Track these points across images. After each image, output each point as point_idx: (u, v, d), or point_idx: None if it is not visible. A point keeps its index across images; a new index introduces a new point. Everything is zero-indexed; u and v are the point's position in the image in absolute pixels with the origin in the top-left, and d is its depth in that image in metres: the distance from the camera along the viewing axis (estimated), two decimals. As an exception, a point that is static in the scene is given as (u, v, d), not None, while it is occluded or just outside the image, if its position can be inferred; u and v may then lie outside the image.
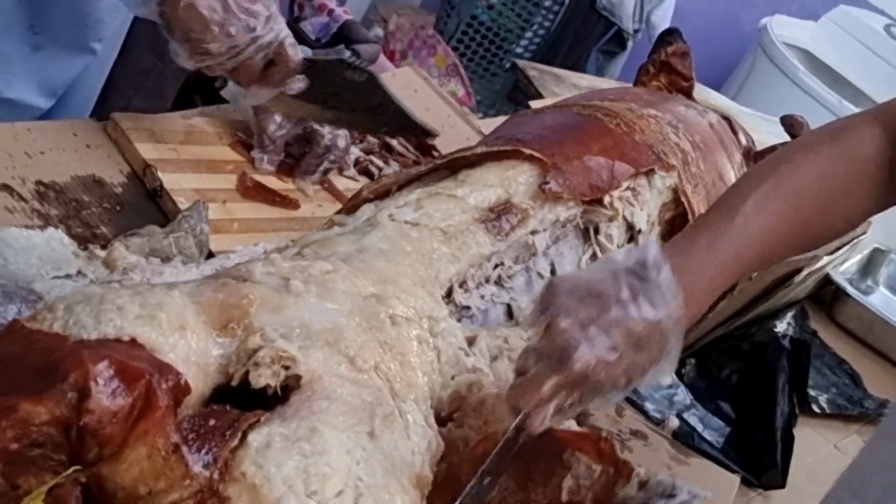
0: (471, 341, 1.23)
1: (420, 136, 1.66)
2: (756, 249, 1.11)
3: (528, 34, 3.70)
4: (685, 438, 1.54)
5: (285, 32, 1.40)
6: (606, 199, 1.41)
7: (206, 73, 1.41)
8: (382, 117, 1.53)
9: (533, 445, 1.03)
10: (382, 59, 2.93)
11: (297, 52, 1.42)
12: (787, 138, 1.73)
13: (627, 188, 1.44)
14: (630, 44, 3.69)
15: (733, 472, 1.51)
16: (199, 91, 1.97)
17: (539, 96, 2.31)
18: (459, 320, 1.26)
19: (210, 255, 1.31)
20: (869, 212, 1.22)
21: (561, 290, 1.03)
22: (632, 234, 1.45)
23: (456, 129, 1.92)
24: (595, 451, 1.05)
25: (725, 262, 1.09)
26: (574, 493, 1.04)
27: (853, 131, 1.19)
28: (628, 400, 1.55)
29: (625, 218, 1.43)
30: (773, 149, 1.73)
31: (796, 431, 1.61)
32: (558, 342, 0.99)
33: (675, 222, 1.50)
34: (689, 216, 1.47)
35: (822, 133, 1.22)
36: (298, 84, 1.44)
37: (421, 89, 1.96)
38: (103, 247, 1.23)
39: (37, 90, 1.63)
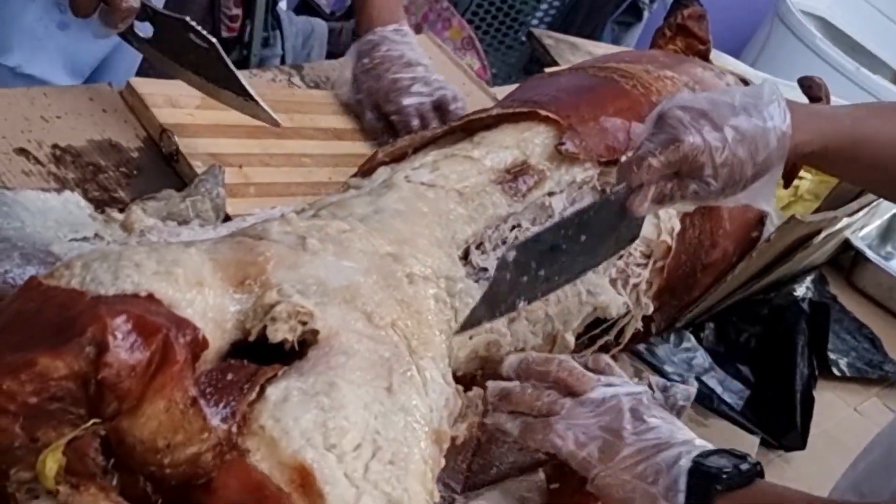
0: (488, 303, 1.22)
1: (263, 120, 1.51)
2: (867, 133, 1.17)
3: (544, 6, 3.67)
4: (704, 401, 1.54)
5: None
6: (623, 160, 1.40)
7: None
8: (226, 92, 1.47)
9: None
10: (397, 30, 2.91)
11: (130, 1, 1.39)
12: (804, 101, 1.72)
13: (644, 149, 1.43)
14: (646, 14, 3.65)
15: (753, 433, 1.50)
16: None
17: (555, 65, 2.29)
18: (477, 282, 1.25)
19: (227, 218, 1.32)
20: None
21: (679, 95, 1.13)
22: (649, 194, 1.44)
23: (471, 96, 1.91)
24: None
25: (837, 123, 1.17)
26: None
27: None
28: (647, 363, 1.55)
29: (642, 179, 1.42)
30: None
31: (816, 394, 1.60)
32: (671, 124, 1.08)
33: (693, 184, 1.49)
34: (707, 177, 1.46)
35: None
36: (146, 29, 1.43)
37: (435, 57, 1.95)
38: (120, 210, 1.23)
39: (63, 70, 1.63)
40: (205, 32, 1.43)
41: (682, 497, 1.01)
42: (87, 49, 1.64)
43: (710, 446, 1.06)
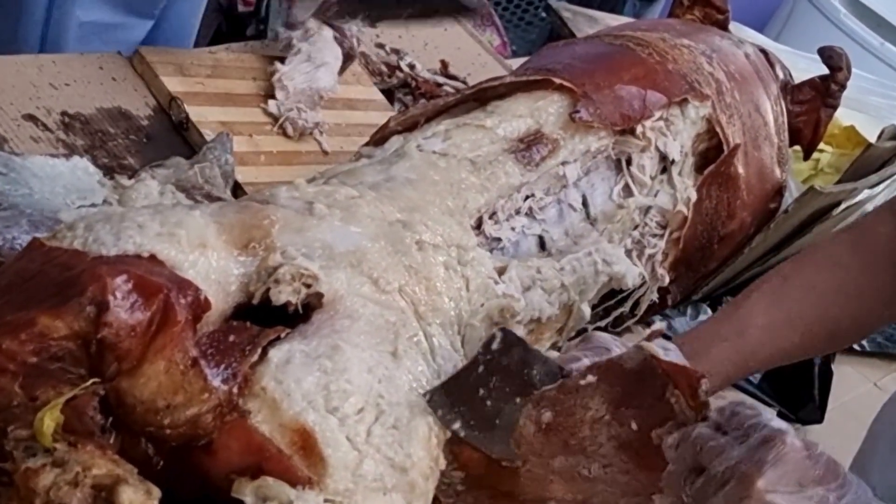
0: (501, 272, 1.21)
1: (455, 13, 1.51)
2: (760, 338, 1.15)
3: (565, -19, 3.64)
4: (720, 374, 1.52)
5: None
6: (638, 129, 1.38)
7: None
8: None
9: (634, 371, 0.97)
10: (416, 7, 2.90)
11: None
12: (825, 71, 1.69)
13: (660, 118, 1.41)
14: (668, -10, 3.63)
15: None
16: (231, 39, 1.95)
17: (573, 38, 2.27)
18: (490, 252, 1.24)
19: (236, 185, 1.31)
20: (881, 315, 1.21)
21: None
22: (665, 164, 1.42)
23: (487, 67, 1.91)
24: (690, 391, 0.96)
25: (729, 350, 1.14)
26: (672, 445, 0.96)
27: (868, 225, 1.22)
28: (662, 335, 1.53)
29: (657, 148, 1.40)
30: (811, 81, 1.70)
31: (835, 368, 1.58)
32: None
33: (709, 154, 1.47)
34: (724, 147, 1.44)
35: (839, 231, 1.26)
36: None
37: (450, 28, 1.94)
38: (129, 177, 1.22)
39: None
40: None
41: None
42: None
43: None
